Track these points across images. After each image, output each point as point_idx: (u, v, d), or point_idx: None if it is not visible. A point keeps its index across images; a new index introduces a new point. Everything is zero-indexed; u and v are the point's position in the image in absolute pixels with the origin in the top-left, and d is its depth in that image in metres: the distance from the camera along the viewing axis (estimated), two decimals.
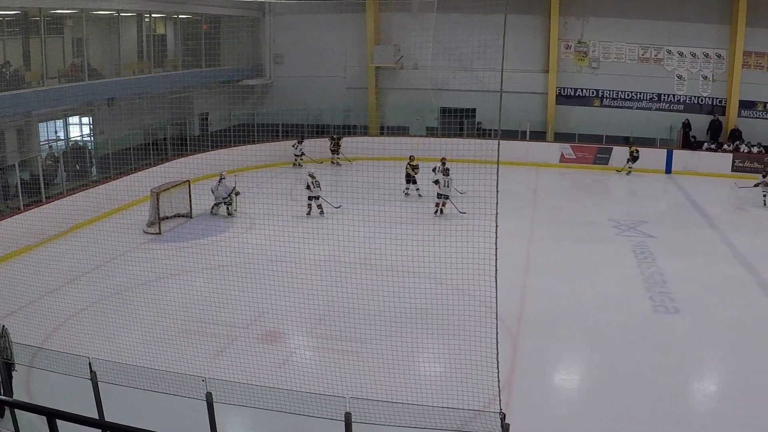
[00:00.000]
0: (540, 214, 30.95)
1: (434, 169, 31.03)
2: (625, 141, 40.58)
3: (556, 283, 22.32)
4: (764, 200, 31.83)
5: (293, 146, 38.88)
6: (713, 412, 15.43)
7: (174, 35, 41.44)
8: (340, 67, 45.57)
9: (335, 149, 40.44)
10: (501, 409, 10.77)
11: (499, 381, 11.51)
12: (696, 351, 18.16)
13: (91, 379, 11.68)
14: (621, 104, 42.51)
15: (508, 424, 10.36)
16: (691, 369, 17.20)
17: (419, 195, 32.30)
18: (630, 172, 39.21)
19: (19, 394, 13.93)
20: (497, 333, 11.41)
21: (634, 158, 39.10)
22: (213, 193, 30.00)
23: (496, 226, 10.89)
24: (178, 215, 29.32)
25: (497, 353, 11.30)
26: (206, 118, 41.58)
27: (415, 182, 32.70)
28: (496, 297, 11.38)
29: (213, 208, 29.90)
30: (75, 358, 12.08)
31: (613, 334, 18.82)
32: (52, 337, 17.96)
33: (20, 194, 26.45)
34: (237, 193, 29.58)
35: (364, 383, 14.25)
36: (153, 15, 38.49)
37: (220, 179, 29.83)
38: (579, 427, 14.59)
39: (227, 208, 29.68)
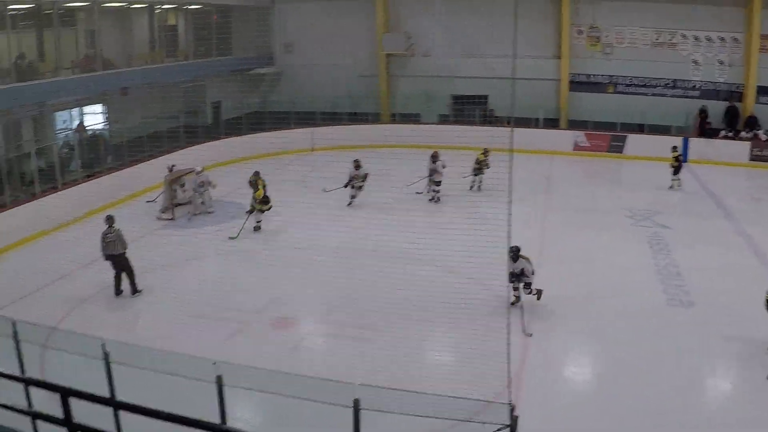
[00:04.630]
0: (553, 203, 30.32)
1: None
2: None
3: (569, 274, 21.84)
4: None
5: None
6: (723, 407, 15.18)
7: (185, 26, 41.61)
8: (350, 55, 45.02)
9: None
10: (510, 401, 10.74)
11: (509, 372, 11.29)
12: (709, 345, 17.56)
13: (104, 360, 11.78)
14: (635, 90, 41.47)
15: (517, 416, 10.23)
16: (703, 364, 16.81)
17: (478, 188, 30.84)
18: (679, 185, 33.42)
19: (32, 373, 14.14)
20: (509, 323, 11.39)
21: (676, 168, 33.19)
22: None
23: (509, 214, 10.77)
24: (192, 202, 29.40)
25: (508, 344, 11.32)
26: (218, 107, 41.82)
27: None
28: (508, 286, 11.42)
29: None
30: (88, 339, 12.08)
31: (625, 326, 18.38)
32: (66, 319, 18.23)
33: (36, 181, 26.85)
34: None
35: (374, 371, 14.34)
36: (164, 6, 38.79)
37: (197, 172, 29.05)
38: (587, 419, 14.44)
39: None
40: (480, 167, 30.01)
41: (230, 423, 11.47)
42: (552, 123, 41.69)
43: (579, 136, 40.44)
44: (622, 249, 24.45)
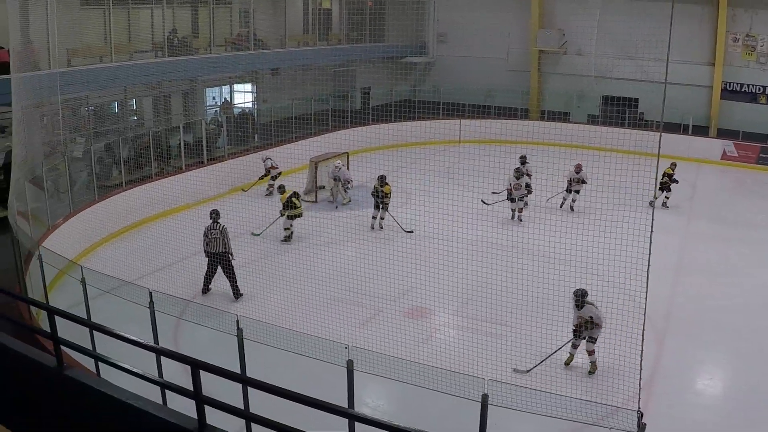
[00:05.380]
0: (697, 212, 29.53)
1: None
2: None
3: (708, 284, 21.28)
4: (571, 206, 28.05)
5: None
6: None
7: (339, 10, 41.88)
8: (502, 49, 44.78)
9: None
10: (639, 408, 10.47)
11: (640, 379, 11.15)
12: None
13: (237, 336, 11.77)
14: None
15: (645, 424, 10.04)
16: None
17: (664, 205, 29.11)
18: None
19: (166, 344, 14.19)
20: (644, 330, 11.01)
21: None
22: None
23: (653, 220, 10.60)
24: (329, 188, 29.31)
25: (642, 350, 10.91)
26: (368, 93, 42.04)
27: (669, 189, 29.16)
28: (646, 292, 10.98)
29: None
30: (223, 315, 12.21)
31: (763, 342, 17.61)
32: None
33: (183, 155, 27.22)
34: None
35: (504, 367, 14.20)
36: None
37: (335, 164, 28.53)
38: None
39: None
40: (667, 182, 28.72)
41: (357, 408, 11.37)
42: (701, 130, 40.38)
43: (728, 145, 38.89)
44: (764, 263, 23.51)
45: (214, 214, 19.21)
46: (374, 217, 25.50)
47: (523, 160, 28.49)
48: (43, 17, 22.85)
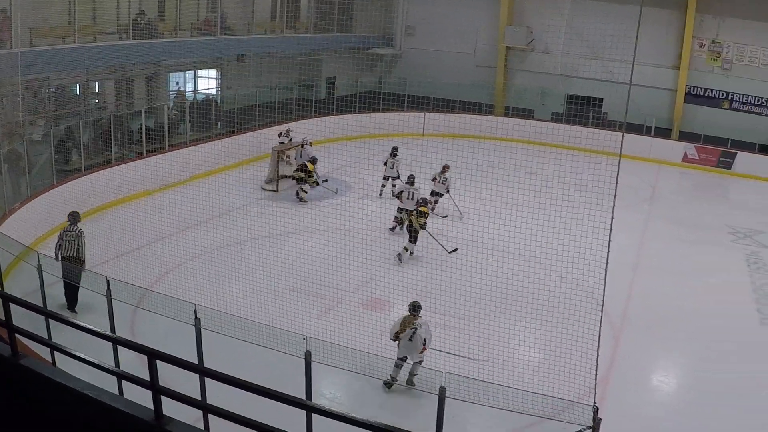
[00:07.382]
0: (656, 213, 30.00)
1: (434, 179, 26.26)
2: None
3: (665, 284, 21.71)
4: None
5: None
6: None
7: None
8: (470, 45, 44.95)
9: None
10: (595, 403, 10.57)
11: (596, 374, 11.28)
12: None
13: (194, 326, 11.68)
14: (751, 109, 40.46)
15: (600, 419, 10.19)
16: None
17: None
18: None
19: (122, 333, 14.09)
20: (600, 326, 11.10)
21: None
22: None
23: (612, 218, 10.74)
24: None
25: (598, 346, 11.00)
26: (333, 83, 42.02)
27: None
28: (604, 290, 11.09)
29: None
30: (181, 304, 12.12)
31: (716, 342, 18.13)
32: (160, 282, 18.22)
33: (144, 140, 26.95)
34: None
35: (462, 361, 14.35)
36: None
37: (302, 145, 28.69)
38: (668, 429, 14.42)
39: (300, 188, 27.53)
40: None
41: (315, 400, 11.35)
42: (663, 132, 40.99)
43: (690, 148, 39.69)
44: (719, 265, 24.25)
45: (71, 217, 17.33)
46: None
47: (394, 152, 28.49)
48: None
